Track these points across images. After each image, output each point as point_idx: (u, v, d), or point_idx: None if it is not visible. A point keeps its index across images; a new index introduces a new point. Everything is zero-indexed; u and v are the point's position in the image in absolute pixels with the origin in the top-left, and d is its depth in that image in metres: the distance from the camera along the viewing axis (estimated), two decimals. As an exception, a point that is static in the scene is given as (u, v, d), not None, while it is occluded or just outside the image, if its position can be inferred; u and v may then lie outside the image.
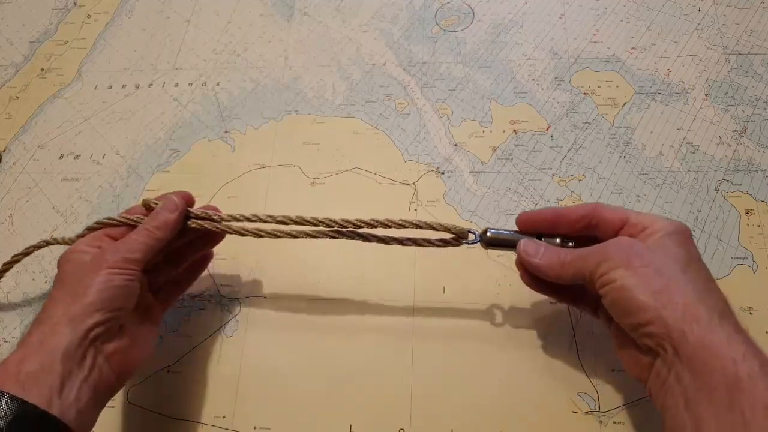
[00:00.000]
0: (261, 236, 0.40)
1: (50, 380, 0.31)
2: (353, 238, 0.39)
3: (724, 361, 0.27)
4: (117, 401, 0.43)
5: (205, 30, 0.61)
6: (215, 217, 0.40)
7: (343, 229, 0.39)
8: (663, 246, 0.32)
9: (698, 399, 0.27)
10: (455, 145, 0.51)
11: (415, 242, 0.39)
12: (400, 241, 0.39)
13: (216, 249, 0.48)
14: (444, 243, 0.39)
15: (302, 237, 0.39)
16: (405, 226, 0.38)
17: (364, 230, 0.39)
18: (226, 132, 0.54)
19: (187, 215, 0.40)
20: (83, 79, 0.60)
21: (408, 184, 0.50)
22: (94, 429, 0.42)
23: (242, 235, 0.40)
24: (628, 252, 0.32)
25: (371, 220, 0.39)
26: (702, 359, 0.27)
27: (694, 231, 0.44)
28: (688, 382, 0.28)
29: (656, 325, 0.29)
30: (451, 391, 0.41)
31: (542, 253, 0.35)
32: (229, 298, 0.46)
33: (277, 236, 0.39)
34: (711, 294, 0.30)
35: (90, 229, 0.39)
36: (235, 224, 0.40)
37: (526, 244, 0.36)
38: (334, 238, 0.39)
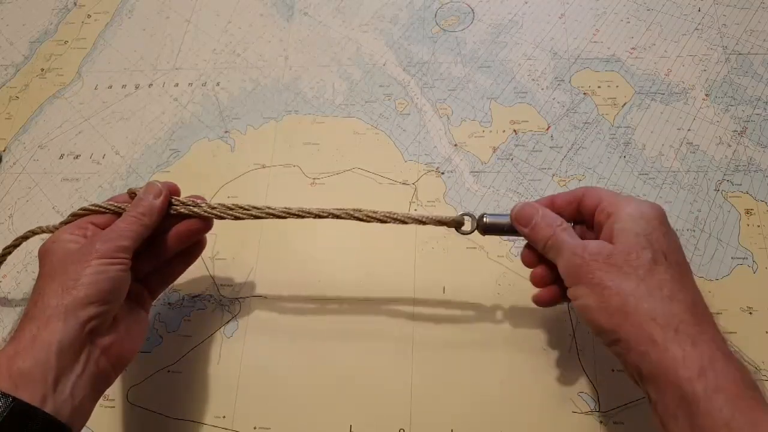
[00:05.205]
0: (249, 218, 0.39)
1: (44, 377, 0.30)
2: (347, 219, 0.38)
3: (680, 381, 0.27)
4: (117, 401, 0.43)
5: (205, 30, 0.61)
6: (202, 205, 0.39)
7: (336, 211, 0.38)
8: (621, 251, 0.30)
9: (665, 418, 0.28)
10: (455, 145, 0.51)
11: (415, 220, 0.38)
12: (401, 220, 0.38)
13: (216, 249, 0.48)
14: (441, 223, 0.38)
15: (288, 217, 0.39)
16: (389, 221, 0.38)
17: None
18: (226, 132, 0.54)
19: (170, 203, 0.39)
20: (83, 79, 0.60)
21: (408, 184, 0.50)
22: (94, 430, 0.42)
23: (234, 218, 0.39)
24: (584, 266, 0.31)
25: (354, 209, 0.38)
26: (662, 380, 0.27)
27: (694, 231, 0.44)
28: (656, 401, 0.28)
29: (619, 345, 0.29)
30: (451, 391, 0.41)
31: (534, 223, 0.35)
32: (229, 298, 0.46)
33: (259, 218, 0.39)
34: (671, 302, 0.29)
35: (75, 216, 0.38)
36: (220, 210, 0.39)
37: (521, 209, 0.36)
38: (324, 217, 0.39)
